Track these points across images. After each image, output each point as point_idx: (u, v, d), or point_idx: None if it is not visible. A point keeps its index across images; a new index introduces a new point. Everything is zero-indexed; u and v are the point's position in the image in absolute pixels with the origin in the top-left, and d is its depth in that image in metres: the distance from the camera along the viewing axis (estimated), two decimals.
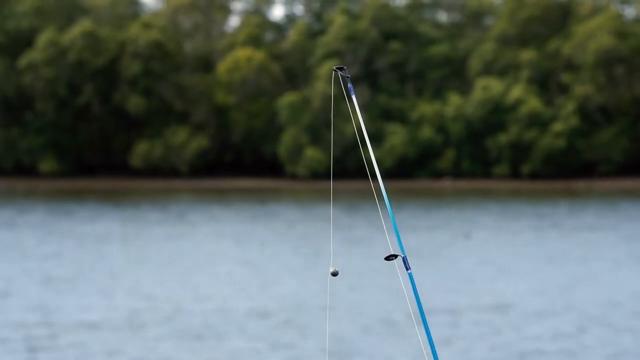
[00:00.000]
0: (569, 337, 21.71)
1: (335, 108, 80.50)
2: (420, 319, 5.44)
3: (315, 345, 20.40)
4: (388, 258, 5.58)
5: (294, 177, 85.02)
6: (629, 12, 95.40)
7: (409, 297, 5.60)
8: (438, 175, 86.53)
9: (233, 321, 23.05)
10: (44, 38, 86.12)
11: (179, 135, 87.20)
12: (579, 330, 22.39)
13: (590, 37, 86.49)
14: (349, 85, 5.93)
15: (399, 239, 5.65)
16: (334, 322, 22.46)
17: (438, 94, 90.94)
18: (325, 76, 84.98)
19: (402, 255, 5.65)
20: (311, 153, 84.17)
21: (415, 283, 5.45)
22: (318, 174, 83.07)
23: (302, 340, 21.18)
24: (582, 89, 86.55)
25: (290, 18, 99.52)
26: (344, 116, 79.08)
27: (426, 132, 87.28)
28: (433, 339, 5.55)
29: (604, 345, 20.93)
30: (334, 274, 5.31)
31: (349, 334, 21.59)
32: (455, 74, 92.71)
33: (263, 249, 38.53)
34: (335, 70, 5.99)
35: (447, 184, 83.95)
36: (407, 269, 5.67)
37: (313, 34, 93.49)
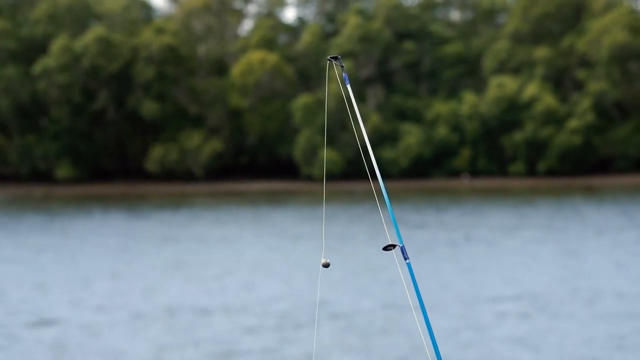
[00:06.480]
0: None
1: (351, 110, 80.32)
2: (419, 308, 5.38)
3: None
4: (386, 248, 5.54)
5: (309, 178, 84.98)
6: None
7: (407, 286, 5.55)
8: (454, 174, 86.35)
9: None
10: (57, 44, 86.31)
11: (193, 139, 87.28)
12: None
13: (604, 33, 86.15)
14: (344, 74, 5.87)
15: (396, 229, 5.61)
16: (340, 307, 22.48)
17: (453, 93, 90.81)
18: (338, 77, 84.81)
19: (400, 245, 5.61)
20: (326, 154, 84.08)
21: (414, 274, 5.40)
22: (333, 175, 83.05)
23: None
24: (597, 85, 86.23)
25: (303, 20, 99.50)
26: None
27: (441, 132, 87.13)
28: (433, 330, 5.47)
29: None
30: (326, 265, 5.42)
31: (346, 319, 21.60)
32: (470, 72, 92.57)
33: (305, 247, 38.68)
34: (329, 60, 5.93)
35: (464, 182, 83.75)
36: (405, 259, 5.63)
37: (326, 35, 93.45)
